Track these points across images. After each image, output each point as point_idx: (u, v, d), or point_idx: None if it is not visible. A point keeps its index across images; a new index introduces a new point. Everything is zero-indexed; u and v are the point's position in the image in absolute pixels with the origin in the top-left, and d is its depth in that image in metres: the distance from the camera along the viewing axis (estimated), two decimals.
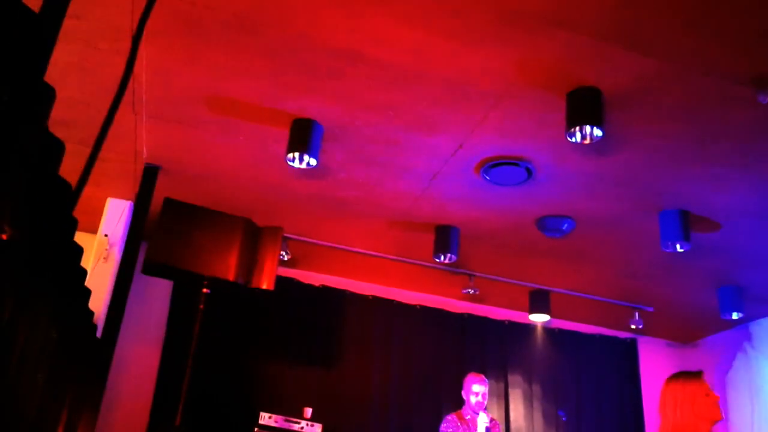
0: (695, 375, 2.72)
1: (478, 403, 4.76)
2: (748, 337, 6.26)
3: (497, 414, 6.04)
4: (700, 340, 6.88)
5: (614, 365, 6.77)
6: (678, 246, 4.37)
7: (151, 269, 3.99)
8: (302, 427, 5.01)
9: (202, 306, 3.93)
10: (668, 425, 2.63)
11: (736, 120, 3.53)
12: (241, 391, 5.47)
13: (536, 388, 6.42)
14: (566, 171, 4.18)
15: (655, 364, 6.88)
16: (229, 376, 5.48)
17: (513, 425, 6.14)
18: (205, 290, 3.97)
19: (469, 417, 4.76)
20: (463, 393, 4.90)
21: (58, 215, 1.94)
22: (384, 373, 6.00)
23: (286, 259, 5.40)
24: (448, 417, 4.85)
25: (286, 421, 4.99)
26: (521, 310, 6.21)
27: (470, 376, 4.92)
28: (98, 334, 4.06)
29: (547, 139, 3.85)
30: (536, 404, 6.37)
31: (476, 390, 4.79)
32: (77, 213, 2.15)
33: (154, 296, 5.48)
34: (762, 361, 6.04)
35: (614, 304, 6.15)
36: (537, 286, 5.94)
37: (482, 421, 4.62)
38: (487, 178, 4.27)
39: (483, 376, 4.94)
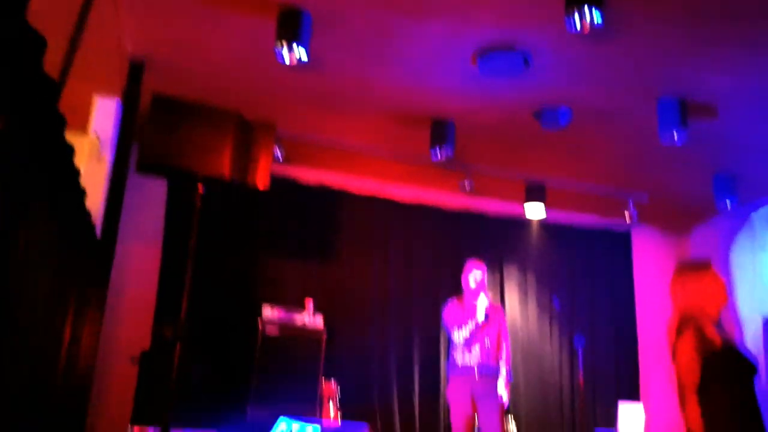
0: (703, 264, 2.80)
1: (477, 284, 4.78)
2: (743, 225, 6.32)
3: None
4: (695, 228, 6.94)
5: (608, 257, 6.90)
6: (675, 134, 4.34)
7: (144, 167, 3.94)
8: (304, 318, 5.16)
9: (198, 204, 3.91)
10: (678, 312, 2.73)
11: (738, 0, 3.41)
12: (243, 286, 5.59)
13: (531, 280, 6.59)
14: (564, 58, 4.07)
15: (649, 254, 7.00)
16: (230, 271, 5.58)
17: (509, 315, 6.32)
18: (200, 188, 3.94)
19: (468, 302, 4.78)
20: (462, 278, 4.90)
21: (45, 110, 1.89)
22: (383, 268, 6.14)
23: (280, 157, 5.35)
24: (449, 300, 4.92)
25: (288, 312, 5.13)
26: (518, 202, 6.21)
27: (469, 261, 4.92)
28: (97, 235, 4.08)
29: (545, 25, 3.72)
30: (531, 294, 6.55)
31: (473, 273, 4.79)
32: (65, 112, 2.10)
33: (151, 196, 5.46)
34: (757, 248, 6.12)
35: (610, 194, 6.17)
36: (533, 179, 5.94)
37: (482, 302, 4.67)
38: (484, 67, 4.15)
39: (481, 261, 4.93)
